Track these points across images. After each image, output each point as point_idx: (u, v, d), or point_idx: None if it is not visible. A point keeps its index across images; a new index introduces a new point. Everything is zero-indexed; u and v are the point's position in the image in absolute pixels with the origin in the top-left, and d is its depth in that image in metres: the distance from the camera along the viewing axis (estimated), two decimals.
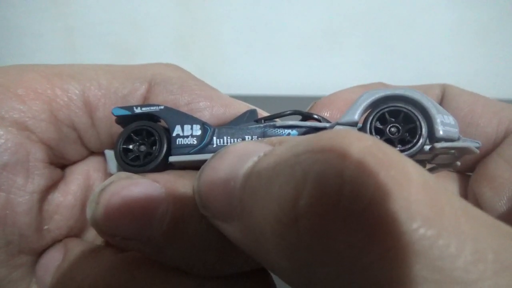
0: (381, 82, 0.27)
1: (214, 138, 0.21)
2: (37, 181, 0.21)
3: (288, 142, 0.16)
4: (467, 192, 0.25)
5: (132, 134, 0.21)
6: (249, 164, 0.15)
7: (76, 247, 0.23)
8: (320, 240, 0.12)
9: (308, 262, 0.13)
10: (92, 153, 0.25)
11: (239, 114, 0.23)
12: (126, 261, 0.21)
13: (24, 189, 0.21)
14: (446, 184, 0.26)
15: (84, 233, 0.25)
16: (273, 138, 0.17)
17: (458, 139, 0.19)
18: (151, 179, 0.19)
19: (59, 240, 0.24)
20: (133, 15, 0.72)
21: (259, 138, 0.20)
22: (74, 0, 0.70)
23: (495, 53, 0.71)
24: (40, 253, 0.23)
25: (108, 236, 0.19)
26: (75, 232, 0.24)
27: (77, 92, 0.22)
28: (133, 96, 0.23)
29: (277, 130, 0.21)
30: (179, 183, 0.19)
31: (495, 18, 0.69)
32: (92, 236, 0.26)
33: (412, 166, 0.13)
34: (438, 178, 0.26)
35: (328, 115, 0.25)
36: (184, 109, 0.23)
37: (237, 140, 0.20)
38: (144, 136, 0.21)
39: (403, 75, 0.73)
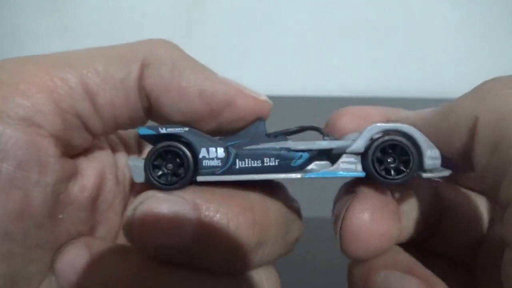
0: (389, 108, 0.29)
1: (237, 160, 0.23)
2: (50, 174, 0.22)
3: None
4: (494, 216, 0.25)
5: (160, 152, 0.23)
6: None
7: (101, 246, 0.24)
8: None
9: None
10: (95, 137, 0.25)
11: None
12: (155, 261, 0.22)
13: (39, 184, 0.21)
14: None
15: (95, 232, 0.26)
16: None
17: (440, 168, 0.23)
18: (177, 196, 0.22)
19: (74, 238, 0.24)
20: (132, 15, 0.72)
21: (276, 160, 0.23)
22: (74, 0, 0.70)
23: (498, 53, 0.72)
24: (55, 250, 0.23)
25: (144, 248, 0.21)
26: (87, 229, 0.25)
27: (76, 80, 0.22)
28: (129, 79, 0.24)
29: (291, 153, 0.24)
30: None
31: (498, 18, 0.70)
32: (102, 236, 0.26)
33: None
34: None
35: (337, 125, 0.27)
36: (174, 93, 0.24)
37: (257, 162, 0.23)
38: (171, 154, 0.23)
39: (405, 75, 0.73)
